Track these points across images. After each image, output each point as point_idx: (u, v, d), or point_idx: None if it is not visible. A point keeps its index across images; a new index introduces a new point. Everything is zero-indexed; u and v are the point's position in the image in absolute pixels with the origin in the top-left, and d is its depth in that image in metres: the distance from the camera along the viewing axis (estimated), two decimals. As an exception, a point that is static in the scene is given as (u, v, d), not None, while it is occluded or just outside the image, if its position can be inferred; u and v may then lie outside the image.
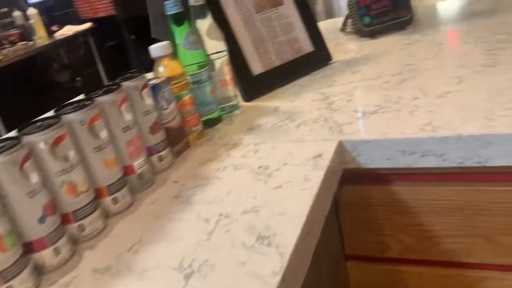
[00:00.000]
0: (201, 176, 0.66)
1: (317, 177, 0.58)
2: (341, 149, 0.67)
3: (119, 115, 0.61)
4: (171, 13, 0.77)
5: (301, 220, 0.50)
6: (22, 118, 0.66)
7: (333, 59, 1.06)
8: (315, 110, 0.80)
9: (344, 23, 1.35)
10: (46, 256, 0.50)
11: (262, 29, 0.98)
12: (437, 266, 0.73)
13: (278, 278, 0.43)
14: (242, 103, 0.93)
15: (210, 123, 0.83)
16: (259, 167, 0.64)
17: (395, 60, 0.97)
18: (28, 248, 0.49)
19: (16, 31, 3.67)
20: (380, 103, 0.76)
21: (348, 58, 1.07)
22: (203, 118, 0.82)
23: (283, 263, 0.44)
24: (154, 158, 0.68)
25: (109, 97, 0.59)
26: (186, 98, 0.76)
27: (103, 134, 0.58)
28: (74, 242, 0.55)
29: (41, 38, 3.62)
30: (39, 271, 0.51)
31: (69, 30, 3.69)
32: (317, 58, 1.04)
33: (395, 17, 1.18)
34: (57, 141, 0.51)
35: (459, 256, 0.70)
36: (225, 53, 0.86)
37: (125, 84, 0.63)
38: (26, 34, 3.65)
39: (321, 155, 0.64)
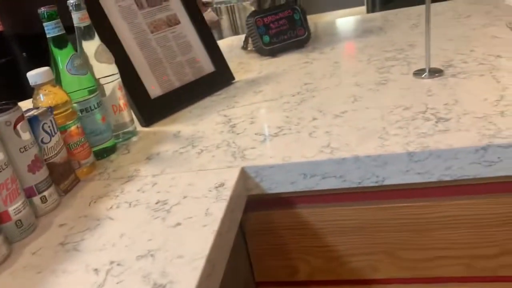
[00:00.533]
0: (91, 217, 0.59)
1: (219, 209, 0.55)
2: (244, 175, 0.65)
3: (-13, 155, 0.52)
4: (52, 35, 0.70)
5: (200, 263, 0.46)
6: None
7: (235, 79, 1.05)
8: (218, 134, 0.77)
9: (245, 41, 1.35)
10: None
11: (159, 49, 0.94)
12: (346, 285, 0.73)
13: (175, 335, 0.38)
14: (140, 128, 0.87)
15: (103, 154, 0.76)
16: (157, 203, 0.59)
17: (295, 79, 0.98)
18: None
19: None
20: (282, 125, 0.75)
21: (251, 78, 1.06)
22: (95, 149, 0.75)
23: (180, 316, 0.40)
24: (36, 199, 0.60)
25: (-28, 136, 0.51)
26: (73, 128, 0.69)
27: (-35, 180, 0.49)
28: None
29: None
30: None
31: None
32: (219, 78, 1.02)
33: (293, 35, 1.21)
34: None
35: (365, 273, 0.71)
36: (117, 76, 0.80)
37: (-6, 118, 0.55)
38: None
39: (223, 184, 0.61)
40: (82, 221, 0.59)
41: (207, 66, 1.01)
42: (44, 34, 0.70)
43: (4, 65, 3.83)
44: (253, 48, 1.27)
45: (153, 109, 0.89)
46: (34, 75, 0.66)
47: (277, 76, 1.03)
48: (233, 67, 1.15)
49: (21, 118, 0.58)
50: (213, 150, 0.72)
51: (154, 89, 0.90)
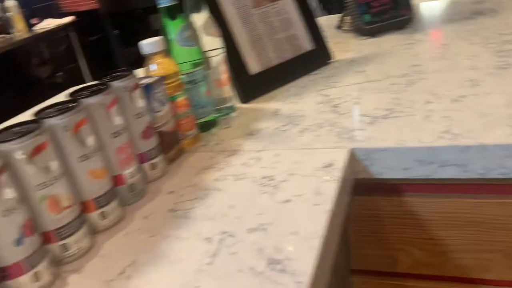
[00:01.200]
0: (199, 187, 0.59)
1: (330, 189, 0.53)
2: (352, 157, 0.61)
3: (109, 119, 0.54)
4: (164, 5, 0.70)
5: (316, 242, 0.44)
6: (-1, 119, 0.59)
7: (333, 58, 1.01)
8: (319, 114, 0.74)
9: (341, 21, 1.30)
10: (23, 282, 0.44)
11: (260, 25, 0.92)
12: (450, 281, 0.68)
13: (297, 313, 0.37)
14: (238, 105, 0.86)
15: (205, 127, 0.77)
16: (263, 178, 0.58)
17: (400, 60, 0.92)
18: (3, 274, 0.42)
19: (-6, 24, 3.52)
20: (391, 107, 0.71)
21: (349, 57, 1.02)
22: (198, 121, 0.75)
23: (301, 294, 0.39)
24: (146, 166, 0.62)
25: (97, 99, 0.53)
26: (181, 99, 0.70)
27: (90, 141, 0.51)
28: (57, 264, 0.48)
29: (20, 31, 3.48)
30: (16, 300, 0.44)
31: (49, 23, 3.55)
32: (317, 57, 0.99)
33: (395, 15, 1.14)
34: (37, 150, 0.44)
35: (473, 272, 0.65)
36: (222, 50, 0.79)
37: (115, 84, 0.57)
38: (4, 27, 3.51)
39: (332, 164, 0.58)
40: (190, 190, 0.59)
41: (305, 43, 0.98)
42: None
43: (97, 41, 4.05)
44: (350, 28, 1.21)
45: (252, 85, 0.88)
46: (147, 44, 0.67)
47: (379, 57, 0.98)
48: (330, 46, 1.12)
49: (136, 85, 0.59)
50: (317, 129, 0.69)
51: (254, 66, 0.89)
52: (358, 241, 0.70)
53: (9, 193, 0.42)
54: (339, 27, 1.31)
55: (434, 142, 0.58)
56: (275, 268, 0.42)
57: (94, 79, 0.56)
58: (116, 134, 0.55)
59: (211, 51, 0.77)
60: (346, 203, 0.58)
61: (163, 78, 0.65)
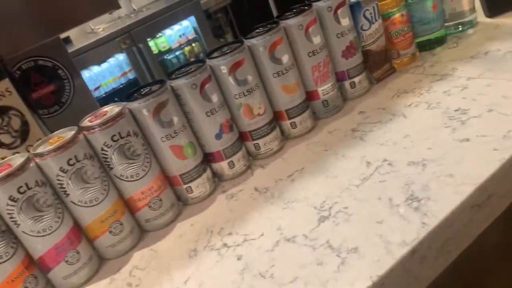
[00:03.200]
0: (388, 111, 0.59)
1: (523, 135, 0.44)
2: None
3: (305, 39, 0.59)
4: None
5: (468, 188, 0.40)
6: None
7: None
8: None
9: None
10: (222, 167, 0.57)
11: None
12: None
13: (404, 250, 0.37)
14: (482, 19, 0.75)
15: (430, 45, 0.71)
16: (456, 110, 0.53)
17: None
18: (209, 158, 0.57)
19: None
20: None
21: None
22: (419, 39, 0.71)
23: (419, 235, 0.38)
24: (346, 84, 0.65)
25: (295, 20, 0.58)
26: (397, 16, 0.67)
27: (285, 59, 0.58)
28: (252, 158, 0.60)
29: None
30: (219, 178, 0.59)
31: None
32: None
33: None
34: (236, 65, 0.55)
35: None
36: (463, -44, 0.69)
37: (317, 4, 0.60)
38: None
39: (546, 104, 0.47)
40: (378, 113, 0.60)
41: None
42: None
43: None
44: None
45: (504, -5, 0.74)
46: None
47: None
48: None
49: (342, 4, 0.61)
50: (560, 56, 0.55)
51: (513, -30, 0.73)
52: None
53: (214, 98, 0.54)
54: None
55: None
56: (411, 204, 0.42)
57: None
58: (312, 53, 0.60)
59: (446, -41, 0.68)
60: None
61: (375, -5, 0.64)
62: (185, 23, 2.90)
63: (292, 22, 0.58)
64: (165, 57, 2.85)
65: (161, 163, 0.53)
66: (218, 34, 3.15)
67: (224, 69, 0.55)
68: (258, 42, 0.56)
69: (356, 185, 0.47)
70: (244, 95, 0.56)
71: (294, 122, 0.61)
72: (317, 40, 0.60)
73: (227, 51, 0.55)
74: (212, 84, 0.54)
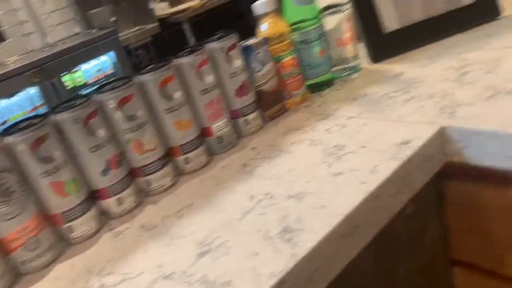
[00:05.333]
0: (277, 147, 0.62)
1: (387, 169, 0.49)
2: (443, 137, 0.54)
3: (197, 77, 0.61)
4: (282, -36, 0.71)
5: (336, 219, 0.43)
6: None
7: (502, 13, 0.84)
8: (440, 82, 0.65)
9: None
10: (110, 204, 0.56)
11: (406, -24, 0.83)
12: None
13: (272, 282, 0.38)
14: (366, 64, 0.82)
15: (318, 87, 0.76)
16: (335, 146, 0.57)
17: None
18: (95, 195, 0.56)
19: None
20: (527, 80, 0.57)
21: (526, 12, 0.83)
22: (309, 82, 0.76)
23: (287, 265, 0.40)
24: (240, 121, 0.67)
25: (186, 60, 0.60)
26: (287, 59, 0.71)
27: (177, 96, 0.59)
28: (143, 194, 0.60)
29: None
30: (107, 215, 0.57)
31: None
32: (479, 12, 0.83)
33: None
34: (124, 100, 0.55)
35: None
36: (346, 6, 0.76)
37: (210, 45, 0.62)
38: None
39: (409, 142, 0.53)
40: (268, 149, 0.62)
41: (466, -4, 0.84)
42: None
43: None
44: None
45: (385, 44, 0.82)
46: (258, 5, 0.70)
47: None
48: (511, -2, 0.92)
49: (234, 46, 0.64)
50: (424, 99, 0.62)
51: (391, 23, 0.82)
52: (460, 231, 0.62)
53: (100, 134, 0.53)
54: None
55: (547, 131, 0.46)
56: (284, 236, 0.43)
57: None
58: (205, 91, 0.62)
59: (331, 9, 0.75)
60: (418, 185, 0.52)
61: (266, 39, 0.68)
62: (104, 58, 2.85)
63: (184, 61, 0.60)
64: (81, 92, 2.76)
65: (40, 201, 0.51)
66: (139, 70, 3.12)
67: (112, 104, 0.55)
68: (148, 78, 0.57)
69: (239, 219, 0.49)
70: (133, 130, 0.56)
71: (187, 157, 0.61)
72: (209, 79, 0.62)
73: (116, 86, 0.55)
74: (98, 119, 0.53)
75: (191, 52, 0.61)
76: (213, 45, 0.63)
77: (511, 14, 0.83)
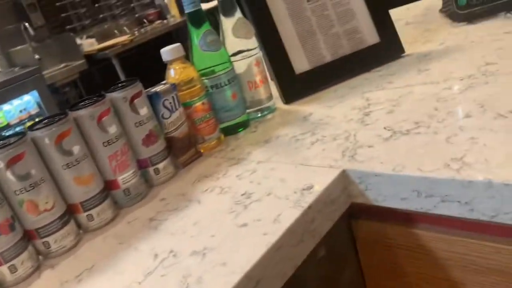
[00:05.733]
0: (187, 197, 0.61)
1: (289, 217, 0.49)
2: (346, 180, 0.55)
3: (99, 129, 0.58)
4: (188, 11, 0.71)
5: (235, 278, 0.42)
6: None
7: (405, 52, 0.89)
8: (345, 123, 0.67)
9: (445, 3, 1.12)
10: (3, 272, 0.51)
11: (313, 19, 0.86)
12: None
13: None
14: (280, 104, 0.83)
15: (233, 129, 0.76)
16: (242, 195, 0.56)
17: (477, 57, 0.77)
18: (-15, 263, 0.51)
19: (154, 11, 3.98)
20: (422, 119, 0.60)
21: (426, 51, 0.88)
22: (224, 125, 0.75)
23: (183, 335, 0.38)
24: (150, 170, 0.65)
25: (85, 111, 0.57)
26: (198, 104, 0.71)
27: (76, 150, 0.56)
28: (42, 258, 0.55)
29: (173, 16, 3.86)
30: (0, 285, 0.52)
31: (210, 4, 3.85)
32: (382, 52, 0.88)
33: (502, -5, 0.94)
34: (15, 159, 0.51)
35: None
36: (255, 51, 0.77)
37: (112, 95, 0.61)
38: (162, 13, 3.93)
39: (311, 187, 0.53)
40: (178, 199, 0.61)
41: (370, 36, 0.88)
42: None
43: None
44: (446, 12, 1.05)
45: (296, 85, 0.84)
46: (165, 51, 0.69)
47: (457, 51, 0.83)
48: (414, 36, 0.99)
49: (138, 94, 0.62)
50: (328, 141, 0.63)
51: (301, 64, 0.84)
52: (373, 268, 0.63)
53: (-14, 197, 0.49)
54: (441, 10, 1.14)
55: (435, 172, 0.48)
56: (183, 299, 0.42)
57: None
58: (108, 143, 0.59)
59: (240, 54, 0.76)
60: (324, 230, 0.53)
61: (174, 86, 0.67)
62: (27, 97, 2.72)
63: (83, 113, 0.57)
64: (3, 134, 2.60)
65: None
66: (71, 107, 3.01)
67: (0, 165, 0.51)
68: (42, 134, 0.54)
69: (139, 282, 0.46)
70: (27, 191, 0.52)
71: (91, 214, 0.58)
72: (112, 129, 0.60)
73: (5, 145, 0.51)
74: (-16, 182, 0.49)
75: (90, 103, 0.58)
76: (115, 95, 0.61)
77: (414, 52, 0.89)
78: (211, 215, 0.54)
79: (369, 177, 0.53)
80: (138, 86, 0.63)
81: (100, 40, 3.56)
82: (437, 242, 0.54)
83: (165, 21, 3.92)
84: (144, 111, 0.63)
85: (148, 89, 0.66)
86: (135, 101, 0.62)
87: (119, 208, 0.62)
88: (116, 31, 3.77)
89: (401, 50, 0.89)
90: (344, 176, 0.55)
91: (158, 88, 0.66)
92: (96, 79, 3.32)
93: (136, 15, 3.98)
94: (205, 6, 0.75)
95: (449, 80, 0.71)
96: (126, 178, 0.61)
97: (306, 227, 0.50)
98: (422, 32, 1.01)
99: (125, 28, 3.83)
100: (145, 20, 3.95)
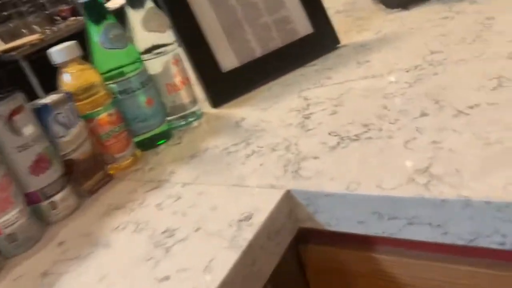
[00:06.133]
0: (92, 238, 0.47)
1: (225, 264, 0.37)
2: (290, 202, 0.45)
3: (-39, 160, 0.43)
4: (83, 0, 0.57)
5: None
6: None
7: (340, 43, 0.81)
8: (284, 128, 0.57)
9: (375, -12, 1.06)
10: None
11: (239, 8, 0.75)
12: None
13: None
14: (208, 109, 0.72)
15: (152, 142, 0.64)
16: (164, 232, 0.44)
17: (420, 44, 0.70)
18: None
19: (67, 7, 3.67)
20: (371, 121, 0.52)
21: (361, 41, 0.81)
22: (140, 138, 0.62)
23: None
24: (43, 206, 0.51)
25: None
26: (103, 116, 0.57)
27: None
28: None
29: (89, 13, 3.59)
30: None
31: (116, 3, 3.61)
32: (318, 43, 0.79)
33: (435, -21, 0.88)
34: None
35: None
36: (173, 47, 0.65)
37: (-21, 113, 0.46)
38: (77, 10, 3.64)
39: (250, 217, 0.42)
40: (80, 242, 0.47)
41: (302, 27, 0.79)
42: None
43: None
44: (379, -1, 0.98)
45: (224, 85, 0.73)
46: (54, 52, 0.55)
47: (397, 39, 0.76)
48: (347, 25, 0.91)
49: (19, 109, 0.48)
50: (266, 153, 0.53)
51: (228, 61, 0.73)
52: (326, 298, 0.54)
53: None
54: (372, -4, 1.07)
55: (399, 189, 0.39)
56: None
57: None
58: (-23, 178, 0.44)
59: (154, 51, 0.63)
60: (268, 270, 0.42)
61: (69, 95, 0.53)
62: None
63: None
64: None
65: None
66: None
67: None
68: None
69: None
70: None
71: (-43, 276, 0.43)
72: (-18, 159, 0.45)
73: None
74: None
75: (-51, 126, 0.43)
76: (-16, 113, 0.46)
77: (349, 43, 0.81)
78: (123, 265, 0.42)
79: (319, 198, 0.43)
80: (18, 99, 0.48)
81: (8, 41, 3.21)
82: (398, 267, 0.46)
83: (79, 17, 3.63)
84: (29, 130, 0.49)
85: (33, 102, 0.51)
86: (15, 118, 0.48)
87: (6, 258, 0.47)
88: (24, 30, 3.42)
89: (336, 40, 0.81)
90: (288, 198, 0.45)
91: (48, 99, 0.52)
92: (3, 82, 2.98)
93: (47, 12, 3.65)
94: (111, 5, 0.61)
95: (394, 72, 0.63)
96: (8, 221, 0.47)
97: (246, 272, 0.39)
98: (355, 21, 0.94)
99: (34, 26, 3.49)
100: (57, 17, 3.63)
